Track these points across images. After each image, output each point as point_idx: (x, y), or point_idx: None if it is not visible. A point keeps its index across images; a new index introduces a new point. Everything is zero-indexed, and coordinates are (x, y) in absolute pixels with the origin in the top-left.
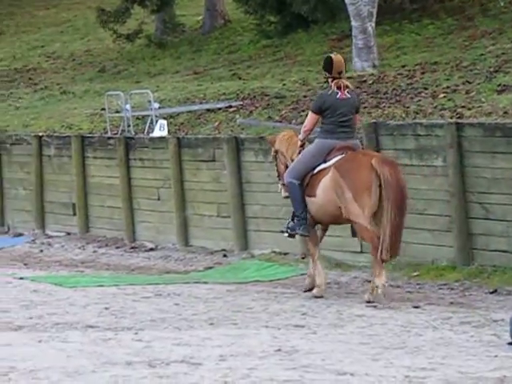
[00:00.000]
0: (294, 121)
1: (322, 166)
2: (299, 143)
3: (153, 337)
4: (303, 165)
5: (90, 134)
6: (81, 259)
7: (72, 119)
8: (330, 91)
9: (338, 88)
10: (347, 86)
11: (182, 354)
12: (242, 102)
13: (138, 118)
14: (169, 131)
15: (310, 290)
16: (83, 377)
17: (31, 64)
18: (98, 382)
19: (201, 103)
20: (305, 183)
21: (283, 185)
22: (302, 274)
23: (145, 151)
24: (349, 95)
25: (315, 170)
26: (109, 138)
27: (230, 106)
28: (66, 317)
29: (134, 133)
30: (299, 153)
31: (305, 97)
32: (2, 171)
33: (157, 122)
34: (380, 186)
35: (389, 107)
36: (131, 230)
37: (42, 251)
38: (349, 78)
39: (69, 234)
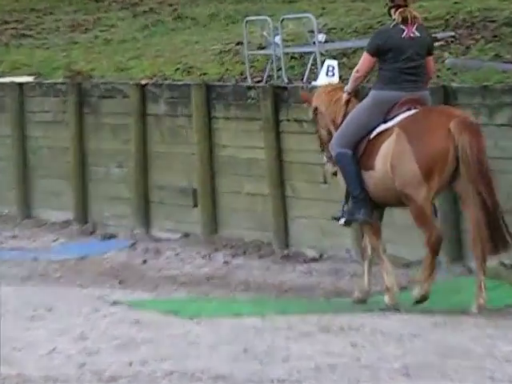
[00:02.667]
0: None
1: (382, 127)
2: (345, 96)
3: None
4: (356, 127)
5: (219, 81)
6: (206, 274)
7: (191, 59)
8: (393, 26)
9: (404, 22)
10: (416, 19)
11: None
12: (453, 33)
13: (293, 58)
14: (340, 77)
15: None
16: None
17: None
18: None
19: None
20: (359, 152)
21: (330, 158)
22: None
23: (304, 108)
24: (418, 33)
25: (372, 134)
26: (249, 87)
27: (436, 39)
28: (184, 363)
29: (287, 80)
30: (345, 113)
31: None
32: (85, 139)
33: (323, 62)
34: (457, 158)
35: None
36: (283, 229)
37: (145, 262)
38: None
39: (187, 235)
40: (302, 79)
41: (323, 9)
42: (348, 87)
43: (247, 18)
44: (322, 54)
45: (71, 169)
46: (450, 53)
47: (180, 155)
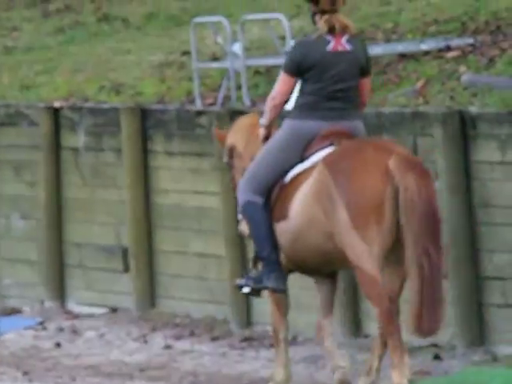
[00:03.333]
0: None
1: (299, 167)
2: (262, 132)
3: None
4: (267, 168)
5: (158, 104)
6: (140, 362)
7: (121, 74)
8: (317, 37)
9: (331, 31)
10: (347, 28)
11: None
12: (471, 40)
13: (257, 72)
14: None
15: None
16: None
17: None
18: None
19: (387, 42)
20: (272, 200)
21: None
22: None
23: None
24: (348, 46)
25: (287, 177)
26: (198, 112)
27: (449, 48)
28: None
29: (249, 102)
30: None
31: None
32: None
33: None
34: (398, 204)
35: None
36: (243, 302)
37: (58, 346)
38: None
39: (115, 310)
40: None
41: (298, 7)
42: (263, 120)
43: (196, 20)
44: None
45: None
46: (467, 67)
47: (105, 203)
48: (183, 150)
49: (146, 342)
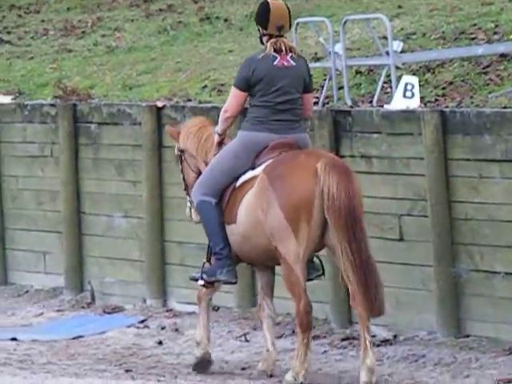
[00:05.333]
0: None
1: (249, 174)
2: (216, 138)
3: None
4: (220, 173)
5: None
6: (241, 361)
7: (224, 73)
8: (263, 55)
9: (278, 51)
10: (291, 49)
11: None
12: None
13: (359, 73)
14: (422, 99)
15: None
16: None
17: None
18: None
19: (488, 42)
20: (224, 202)
21: (193, 203)
22: None
23: (373, 140)
24: (293, 62)
25: (238, 182)
26: None
27: None
28: None
29: (350, 102)
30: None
31: None
32: (80, 180)
33: (399, 79)
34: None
35: None
36: (344, 301)
37: (160, 344)
38: None
39: (216, 308)
40: (371, 101)
41: (399, 7)
42: (218, 129)
43: (298, 20)
44: (397, 68)
45: (62, 219)
46: None
47: None
48: None
49: (247, 340)
